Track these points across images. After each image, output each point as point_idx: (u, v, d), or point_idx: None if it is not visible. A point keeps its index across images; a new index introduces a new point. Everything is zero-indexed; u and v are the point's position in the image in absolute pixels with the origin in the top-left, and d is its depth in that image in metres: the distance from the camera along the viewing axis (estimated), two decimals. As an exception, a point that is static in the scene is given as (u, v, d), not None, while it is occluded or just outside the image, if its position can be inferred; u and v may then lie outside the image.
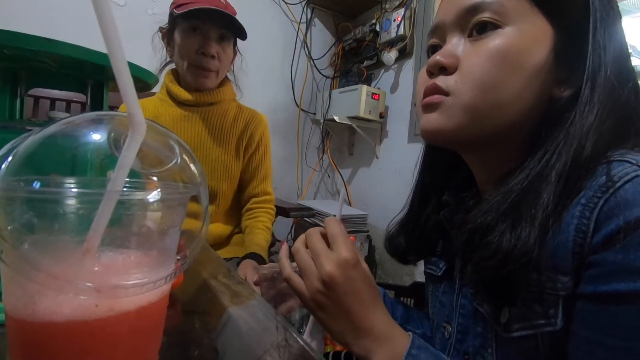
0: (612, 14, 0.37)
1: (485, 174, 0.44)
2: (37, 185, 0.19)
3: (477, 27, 0.38)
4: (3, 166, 0.18)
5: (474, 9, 0.37)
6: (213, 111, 1.03)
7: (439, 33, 0.42)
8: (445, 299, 0.48)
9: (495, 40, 0.36)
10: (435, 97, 0.39)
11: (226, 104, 1.06)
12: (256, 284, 0.53)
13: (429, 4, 1.57)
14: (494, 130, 0.38)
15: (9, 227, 0.16)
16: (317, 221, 1.68)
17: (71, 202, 0.18)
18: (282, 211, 1.26)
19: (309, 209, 1.43)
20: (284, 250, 0.47)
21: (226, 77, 1.08)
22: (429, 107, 0.40)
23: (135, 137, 0.18)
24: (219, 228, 1.08)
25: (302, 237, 0.44)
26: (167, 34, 1.01)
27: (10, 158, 0.18)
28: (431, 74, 0.40)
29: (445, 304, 0.47)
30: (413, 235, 0.52)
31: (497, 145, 0.40)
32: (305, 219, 1.65)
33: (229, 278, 0.47)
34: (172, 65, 1.06)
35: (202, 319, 0.37)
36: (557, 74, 0.37)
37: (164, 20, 1.00)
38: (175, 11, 0.92)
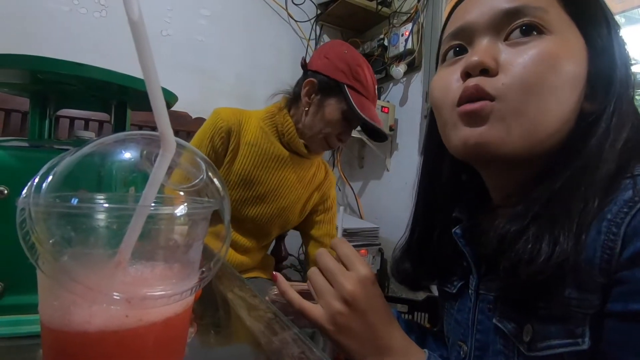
0: (619, 31, 0.38)
1: (506, 188, 0.42)
2: (75, 201, 0.20)
3: (519, 29, 0.36)
4: (44, 184, 0.19)
5: (514, 13, 0.36)
6: (303, 163, 1.05)
7: (465, 35, 0.40)
8: (460, 317, 0.47)
9: (542, 44, 0.35)
10: (481, 105, 0.36)
11: (314, 160, 1.09)
12: None
13: (437, 18, 1.60)
14: (541, 140, 0.36)
15: (50, 241, 0.17)
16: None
17: (106, 216, 0.19)
18: (294, 225, 1.27)
19: (321, 222, 1.43)
20: (283, 283, 0.45)
21: None
22: (475, 118, 0.36)
23: (166, 155, 0.19)
24: (246, 259, 1.07)
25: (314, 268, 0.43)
26: (318, 88, 0.96)
27: (50, 177, 0.19)
28: (468, 75, 0.37)
29: (461, 322, 0.46)
30: (422, 258, 0.50)
31: (533, 159, 0.37)
32: (317, 232, 1.65)
33: (245, 291, 0.48)
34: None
35: (221, 332, 0.38)
36: (586, 88, 0.37)
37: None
38: (351, 100, 0.91)
